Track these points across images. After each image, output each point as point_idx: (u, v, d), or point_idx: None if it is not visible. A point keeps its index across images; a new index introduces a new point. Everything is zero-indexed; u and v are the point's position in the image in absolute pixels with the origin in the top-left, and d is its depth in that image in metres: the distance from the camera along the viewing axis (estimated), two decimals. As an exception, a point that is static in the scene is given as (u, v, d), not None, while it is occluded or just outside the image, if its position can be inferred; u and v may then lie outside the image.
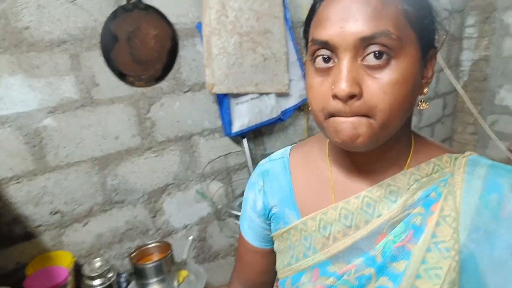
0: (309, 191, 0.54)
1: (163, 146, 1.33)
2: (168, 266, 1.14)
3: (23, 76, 1.02)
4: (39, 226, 1.12)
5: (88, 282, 1.09)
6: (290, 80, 1.47)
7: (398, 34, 0.39)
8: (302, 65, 1.52)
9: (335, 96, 0.40)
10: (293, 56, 1.47)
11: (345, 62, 0.40)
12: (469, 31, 2.39)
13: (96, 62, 1.13)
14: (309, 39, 0.45)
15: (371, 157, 0.48)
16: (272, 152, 0.65)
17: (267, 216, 0.58)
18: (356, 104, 0.39)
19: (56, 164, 1.12)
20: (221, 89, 1.29)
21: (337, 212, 0.49)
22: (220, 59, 1.26)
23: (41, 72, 1.05)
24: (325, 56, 0.42)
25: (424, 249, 0.43)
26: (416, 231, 0.44)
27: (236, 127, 1.39)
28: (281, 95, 1.47)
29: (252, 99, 1.39)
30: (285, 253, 0.55)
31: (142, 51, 1.19)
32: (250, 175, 1.45)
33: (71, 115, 1.12)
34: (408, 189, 0.46)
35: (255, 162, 1.55)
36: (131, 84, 1.21)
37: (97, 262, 1.15)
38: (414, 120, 2.22)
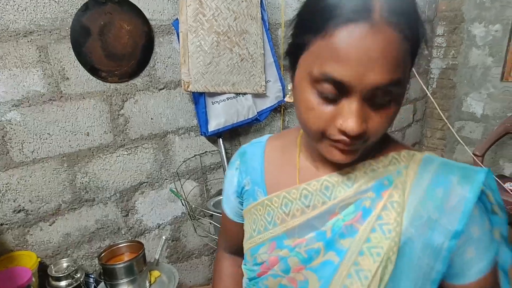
0: (278, 173, 0.59)
1: (137, 144, 1.31)
2: (139, 266, 1.11)
3: (-15, 67, 0.97)
4: (1, 225, 1.07)
5: (54, 283, 1.05)
6: (267, 82, 1.48)
7: (405, 78, 0.42)
8: (279, 67, 1.54)
9: (342, 132, 0.42)
10: (270, 58, 1.49)
11: (355, 103, 0.41)
12: (438, 40, 2.51)
13: (66, 55, 1.09)
14: (316, 65, 0.41)
15: None
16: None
17: (240, 193, 0.64)
18: (358, 136, 0.42)
19: (21, 160, 1.07)
20: (197, 88, 1.28)
21: (299, 192, 0.54)
22: (196, 58, 1.25)
23: (5, 64, 1.00)
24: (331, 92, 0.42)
25: (369, 229, 0.47)
26: (364, 212, 0.48)
27: (212, 126, 1.39)
28: (258, 96, 1.48)
29: (228, 98, 1.39)
30: (249, 227, 0.60)
31: (116, 46, 1.17)
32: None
33: (38, 109, 1.08)
34: (364, 176, 0.50)
35: (230, 162, 1.55)
36: (104, 79, 1.17)
37: (64, 263, 1.11)
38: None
